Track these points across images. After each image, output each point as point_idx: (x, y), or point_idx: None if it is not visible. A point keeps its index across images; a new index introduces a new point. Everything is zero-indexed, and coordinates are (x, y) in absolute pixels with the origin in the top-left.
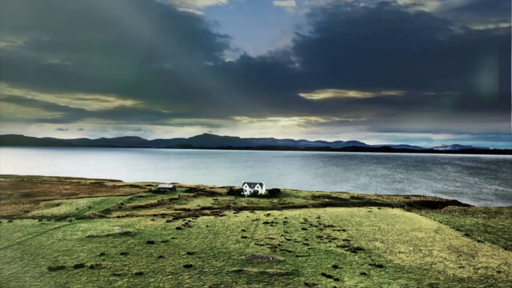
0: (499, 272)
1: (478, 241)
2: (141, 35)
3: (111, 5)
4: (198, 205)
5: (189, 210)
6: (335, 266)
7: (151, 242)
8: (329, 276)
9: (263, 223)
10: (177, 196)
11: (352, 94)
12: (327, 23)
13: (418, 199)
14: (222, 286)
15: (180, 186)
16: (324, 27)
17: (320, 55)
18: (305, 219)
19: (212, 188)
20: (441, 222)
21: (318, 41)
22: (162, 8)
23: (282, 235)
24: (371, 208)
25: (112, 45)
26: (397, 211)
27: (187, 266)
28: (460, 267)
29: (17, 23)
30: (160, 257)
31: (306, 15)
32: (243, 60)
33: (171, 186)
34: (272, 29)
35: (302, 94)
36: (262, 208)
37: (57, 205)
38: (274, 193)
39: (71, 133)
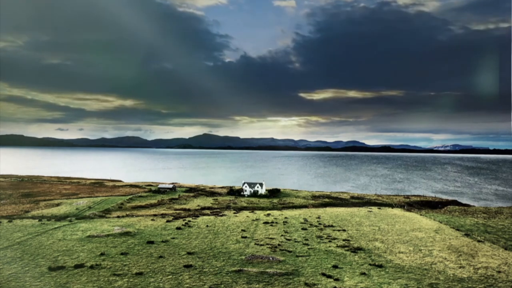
0: (499, 272)
1: (478, 241)
2: (141, 35)
3: (112, 5)
4: (198, 205)
5: (189, 210)
6: (335, 266)
7: (151, 242)
8: (329, 276)
9: (263, 223)
10: (177, 196)
11: (352, 94)
12: (327, 23)
13: (418, 199)
14: (222, 286)
15: (180, 186)
16: (324, 27)
17: (320, 54)
18: (305, 219)
19: (212, 188)
20: (441, 222)
21: (318, 41)
22: (162, 8)
23: (282, 235)
24: (371, 208)
25: (112, 45)
26: (397, 211)
27: (187, 266)
28: (460, 267)
29: (17, 23)
30: (160, 257)
31: (306, 15)
32: (243, 60)
33: (171, 186)
34: (272, 29)
35: (302, 94)
36: (262, 208)
37: (57, 205)
38: (274, 193)
39: (71, 133)
